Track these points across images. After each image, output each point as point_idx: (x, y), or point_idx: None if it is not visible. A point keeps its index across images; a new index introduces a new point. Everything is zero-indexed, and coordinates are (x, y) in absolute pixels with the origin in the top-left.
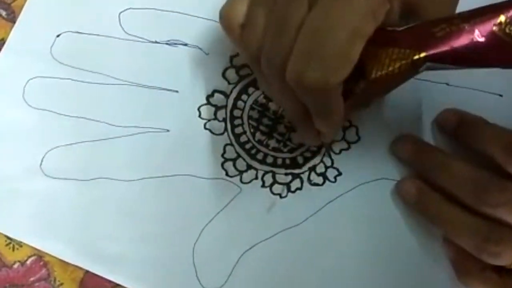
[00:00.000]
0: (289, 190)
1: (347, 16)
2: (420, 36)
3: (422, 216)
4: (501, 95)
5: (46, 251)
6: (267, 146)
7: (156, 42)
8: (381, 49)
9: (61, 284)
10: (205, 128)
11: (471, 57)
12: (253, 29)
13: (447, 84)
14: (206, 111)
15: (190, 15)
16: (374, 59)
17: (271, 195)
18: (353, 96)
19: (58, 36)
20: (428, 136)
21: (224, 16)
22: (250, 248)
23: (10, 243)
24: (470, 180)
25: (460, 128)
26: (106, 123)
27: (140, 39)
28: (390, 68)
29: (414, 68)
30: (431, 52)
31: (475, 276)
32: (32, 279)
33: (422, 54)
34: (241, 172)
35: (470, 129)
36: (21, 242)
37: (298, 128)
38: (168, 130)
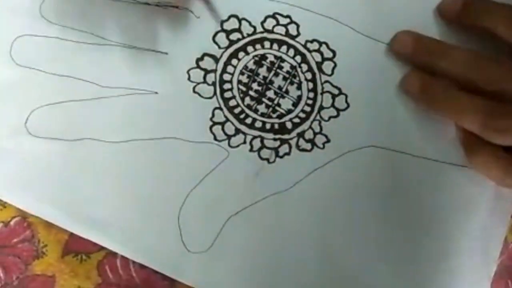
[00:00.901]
0: (277, 155)
1: None
2: None
3: (426, 106)
4: None
5: (30, 212)
6: (256, 111)
7: (146, 3)
8: None
9: (45, 245)
10: (194, 92)
11: None
12: None
13: None
14: (196, 75)
15: None
16: None
17: (259, 160)
18: None
19: None
20: None
21: None
22: (237, 213)
23: None
24: (469, 61)
25: (464, 9)
26: (94, 83)
27: (131, 0)
28: None
29: None
30: None
31: (484, 153)
32: (15, 240)
33: None
34: (229, 136)
35: (474, 8)
36: (5, 202)
37: None
38: (156, 92)
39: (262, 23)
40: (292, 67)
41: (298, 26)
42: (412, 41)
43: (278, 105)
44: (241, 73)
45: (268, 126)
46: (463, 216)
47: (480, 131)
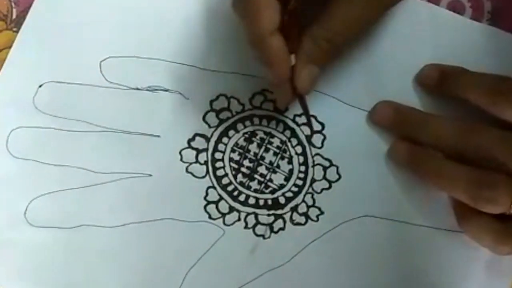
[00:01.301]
0: (272, 230)
1: None
2: None
3: (415, 176)
4: None
5: None
6: (249, 187)
7: (137, 88)
8: None
9: None
10: (187, 172)
11: None
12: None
13: None
14: (188, 155)
15: (170, 61)
16: None
17: (254, 236)
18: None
19: (40, 86)
20: None
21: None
22: None
23: None
24: (451, 131)
25: (442, 80)
26: (89, 170)
27: (121, 86)
28: None
29: None
30: None
31: (476, 221)
32: None
33: None
34: (223, 215)
35: (453, 80)
36: None
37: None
38: (150, 175)
39: (251, 100)
40: (282, 142)
41: None
42: (392, 112)
43: (270, 180)
44: (232, 150)
45: (261, 202)
46: (462, 280)
47: (469, 201)
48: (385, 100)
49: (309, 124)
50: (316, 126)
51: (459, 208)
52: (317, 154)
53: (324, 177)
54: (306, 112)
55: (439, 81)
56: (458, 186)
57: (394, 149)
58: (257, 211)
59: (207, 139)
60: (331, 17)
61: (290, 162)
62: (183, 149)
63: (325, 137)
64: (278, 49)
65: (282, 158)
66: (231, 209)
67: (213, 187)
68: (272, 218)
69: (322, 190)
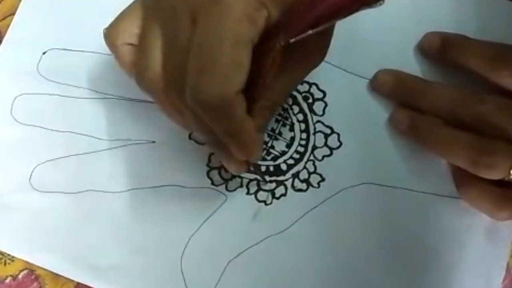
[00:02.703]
0: (273, 196)
1: (226, 25)
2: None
3: (416, 143)
4: None
5: (38, 264)
6: None
7: None
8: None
9: None
10: (190, 138)
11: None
12: (146, 53)
13: None
14: None
15: None
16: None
17: (256, 202)
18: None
19: (44, 53)
20: None
21: (108, 36)
22: (237, 256)
23: (1, 258)
24: (452, 99)
25: (444, 48)
26: (93, 136)
27: None
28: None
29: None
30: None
31: (474, 187)
32: None
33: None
34: (226, 181)
35: (454, 47)
36: (13, 256)
37: (220, 156)
38: (153, 142)
39: None
40: (284, 109)
41: None
42: (392, 80)
43: (272, 147)
44: None
45: (263, 168)
46: (461, 246)
47: (469, 167)
48: (386, 68)
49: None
50: (318, 94)
51: (458, 175)
52: (318, 121)
53: (326, 144)
54: (260, 174)
55: (440, 48)
56: (458, 152)
57: (395, 116)
58: (259, 177)
59: None
60: (273, 91)
61: (291, 129)
62: None
63: (326, 105)
64: (251, 131)
65: (284, 125)
66: (233, 175)
67: None
68: (274, 184)
69: (323, 157)
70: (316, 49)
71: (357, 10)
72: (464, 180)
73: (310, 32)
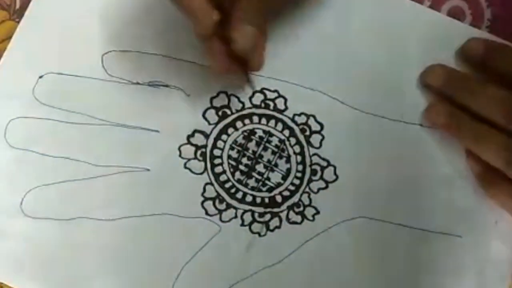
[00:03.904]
0: (268, 228)
1: None
2: None
3: (452, 136)
4: None
5: None
6: (246, 185)
7: (138, 83)
8: None
9: None
10: (185, 168)
11: None
12: None
13: (421, 125)
14: (187, 151)
15: (172, 58)
16: None
17: (250, 233)
18: None
19: (40, 77)
20: None
21: None
22: (230, 287)
23: None
24: (501, 100)
25: (487, 54)
26: (87, 162)
27: (122, 80)
28: None
29: None
30: None
31: (503, 187)
32: None
33: None
34: (220, 211)
35: (497, 54)
36: (1, 283)
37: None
38: (148, 170)
39: (251, 98)
40: (281, 141)
41: (285, 100)
42: (445, 74)
43: (268, 179)
44: (231, 148)
45: (258, 200)
46: (454, 283)
47: (504, 166)
48: (439, 63)
49: (251, 84)
50: (315, 126)
51: (485, 175)
52: (315, 154)
53: (321, 177)
54: (245, 73)
55: (483, 54)
56: (495, 150)
57: (433, 109)
58: (254, 208)
59: (206, 136)
60: None
61: (288, 161)
62: (182, 144)
63: (323, 137)
64: (200, 2)
65: (280, 157)
66: (228, 206)
67: (211, 183)
68: (268, 216)
69: (318, 189)
70: None
71: None
72: (491, 179)
73: None
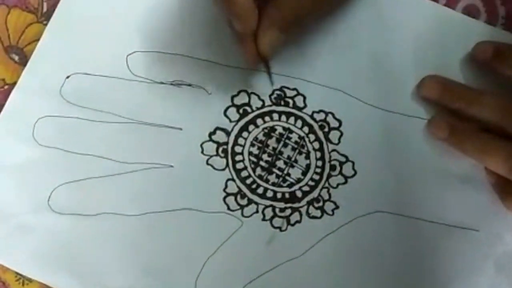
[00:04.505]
0: (288, 223)
1: None
2: None
3: (455, 149)
4: None
5: (53, 286)
6: (267, 181)
7: (161, 82)
8: None
9: None
10: (207, 164)
11: None
12: None
13: None
14: (208, 148)
15: (194, 58)
16: None
17: (272, 228)
18: None
19: (67, 77)
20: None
21: None
22: (252, 281)
23: (20, 278)
24: (500, 107)
25: (496, 56)
26: (112, 159)
27: (146, 80)
28: None
29: None
30: None
31: None
32: None
33: None
34: (242, 207)
35: (506, 57)
36: (29, 278)
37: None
38: (172, 166)
39: (270, 96)
40: (300, 137)
41: (304, 98)
42: (440, 86)
43: (288, 174)
44: (252, 144)
45: (279, 195)
46: (472, 277)
47: (509, 174)
48: (433, 74)
49: (270, 79)
50: (334, 123)
51: (501, 184)
52: (333, 150)
53: (340, 173)
54: (268, 72)
55: (493, 56)
56: (499, 159)
57: (435, 123)
58: (275, 203)
59: (228, 133)
60: (283, 4)
61: (307, 157)
62: (204, 142)
63: (342, 134)
64: (245, 2)
65: (300, 153)
66: (250, 201)
67: (233, 179)
68: (289, 211)
69: (338, 185)
70: None
71: None
72: (506, 188)
73: None
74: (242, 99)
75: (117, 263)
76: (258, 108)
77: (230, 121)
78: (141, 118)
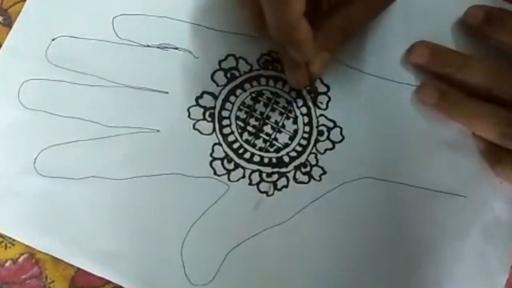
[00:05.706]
0: (275, 188)
1: None
2: None
3: (444, 115)
4: None
5: (38, 248)
6: (254, 145)
7: (147, 46)
8: None
9: (53, 281)
10: (194, 128)
11: None
12: None
13: None
14: (195, 112)
15: (181, 21)
16: None
17: (258, 193)
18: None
19: (53, 40)
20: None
21: None
22: (238, 245)
23: (2, 241)
24: (489, 71)
25: (488, 21)
26: (99, 123)
27: (133, 43)
28: None
29: None
30: None
31: (507, 161)
32: (23, 276)
33: None
34: (228, 171)
35: (497, 21)
36: (13, 240)
37: (285, 65)
38: (158, 130)
39: (258, 60)
40: (288, 102)
41: None
42: (429, 52)
43: (275, 139)
44: (239, 109)
45: (266, 160)
46: (459, 242)
47: (498, 139)
48: (423, 40)
49: (314, 98)
50: (321, 88)
51: (490, 150)
52: (321, 115)
53: (328, 138)
54: (315, 92)
55: (483, 21)
56: (488, 124)
57: (424, 89)
58: (262, 168)
59: (215, 97)
60: (348, 6)
61: (295, 122)
62: (191, 106)
63: (330, 99)
64: (306, 33)
65: (288, 118)
66: (236, 165)
67: (219, 144)
68: (276, 176)
69: (325, 150)
70: None
71: None
72: (495, 155)
73: None
74: (229, 63)
75: (104, 227)
76: (245, 72)
77: (218, 85)
78: (127, 81)
